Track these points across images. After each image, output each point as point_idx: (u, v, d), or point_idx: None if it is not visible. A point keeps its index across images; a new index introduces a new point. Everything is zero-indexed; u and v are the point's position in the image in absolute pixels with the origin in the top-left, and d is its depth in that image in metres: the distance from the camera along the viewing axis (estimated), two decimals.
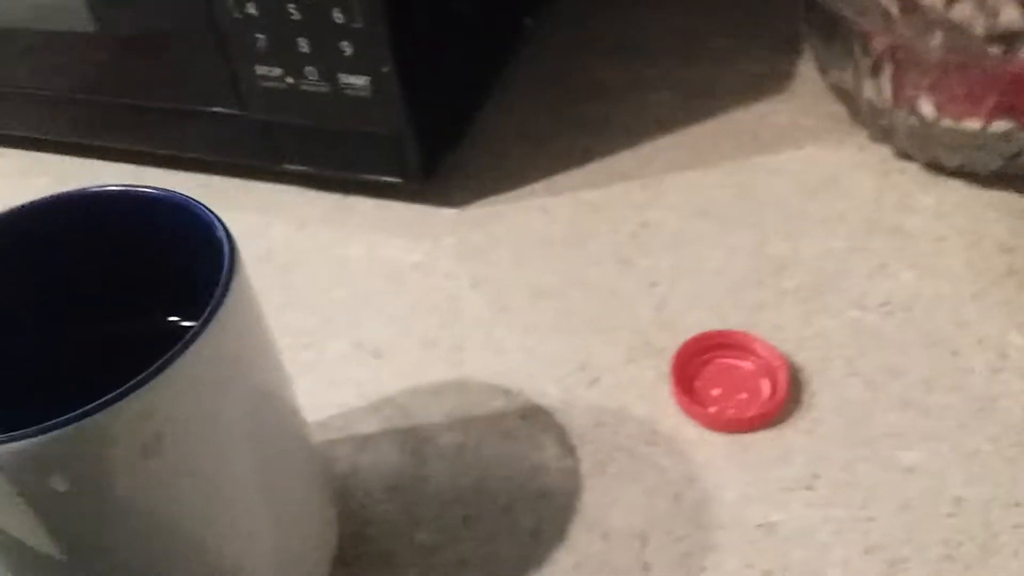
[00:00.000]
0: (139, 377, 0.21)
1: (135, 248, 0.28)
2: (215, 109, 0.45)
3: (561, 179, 0.46)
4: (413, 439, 0.35)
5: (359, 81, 0.41)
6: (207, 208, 0.26)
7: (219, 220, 0.25)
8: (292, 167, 0.46)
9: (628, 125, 0.48)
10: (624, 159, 0.46)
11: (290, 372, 0.37)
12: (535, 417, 0.35)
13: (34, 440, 0.20)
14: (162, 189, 0.27)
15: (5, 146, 0.52)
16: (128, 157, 0.50)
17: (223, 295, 0.24)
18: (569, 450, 0.34)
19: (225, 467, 0.25)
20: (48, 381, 0.28)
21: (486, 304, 0.40)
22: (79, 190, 0.27)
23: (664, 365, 0.36)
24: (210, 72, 0.43)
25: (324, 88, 0.42)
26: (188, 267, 0.26)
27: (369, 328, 0.40)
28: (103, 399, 0.21)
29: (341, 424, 0.36)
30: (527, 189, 0.46)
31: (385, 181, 0.45)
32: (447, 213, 0.45)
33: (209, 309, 0.23)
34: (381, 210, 0.46)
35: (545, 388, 0.36)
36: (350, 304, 0.41)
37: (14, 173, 0.51)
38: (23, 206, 0.27)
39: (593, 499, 0.32)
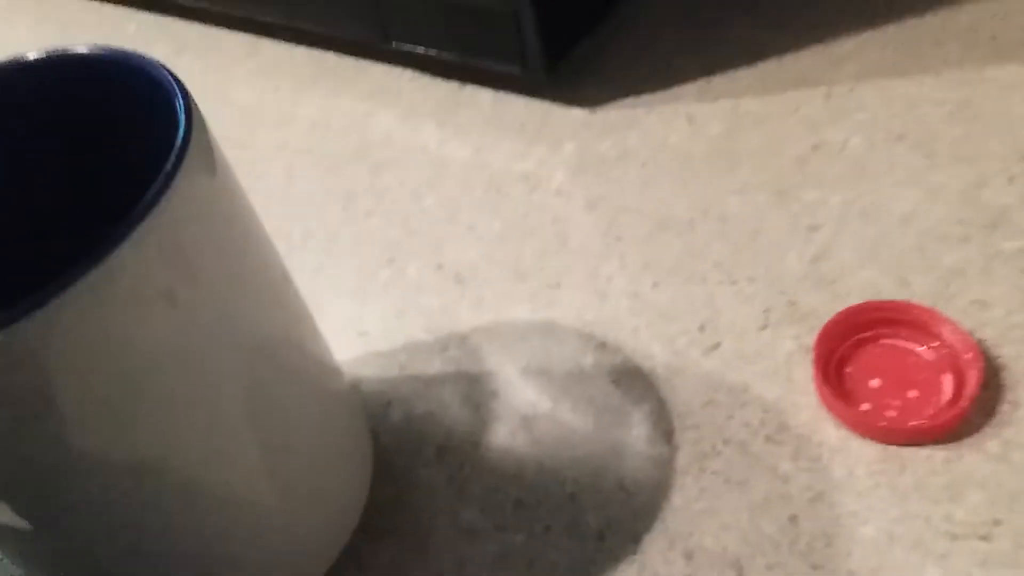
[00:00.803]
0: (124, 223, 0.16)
1: (96, 112, 0.22)
2: None
3: (720, 81, 0.37)
4: (479, 392, 0.29)
5: None
6: (160, 66, 0.20)
7: (174, 80, 0.19)
8: (401, 46, 0.39)
9: (817, 16, 0.37)
10: (807, 59, 0.36)
11: (364, 291, 0.32)
12: (631, 383, 0.28)
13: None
14: (119, 50, 0.21)
15: (132, 7, 0.49)
16: (248, 27, 0.46)
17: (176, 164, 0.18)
18: (665, 433, 0.27)
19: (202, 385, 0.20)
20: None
21: (598, 232, 0.33)
22: (38, 54, 0.22)
23: (809, 337, 0.27)
24: None
25: None
26: (149, 136, 0.20)
27: (456, 247, 0.34)
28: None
29: (403, 360, 0.30)
30: (675, 91, 0.37)
31: (501, 70, 0.37)
32: (573, 114, 0.37)
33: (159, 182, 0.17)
34: (498, 105, 0.39)
35: (650, 347, 0.29)
36: (440, 216, 0.35)
37: (134, 37, 0.48)
38: None
39: (683, 503, 0.25)
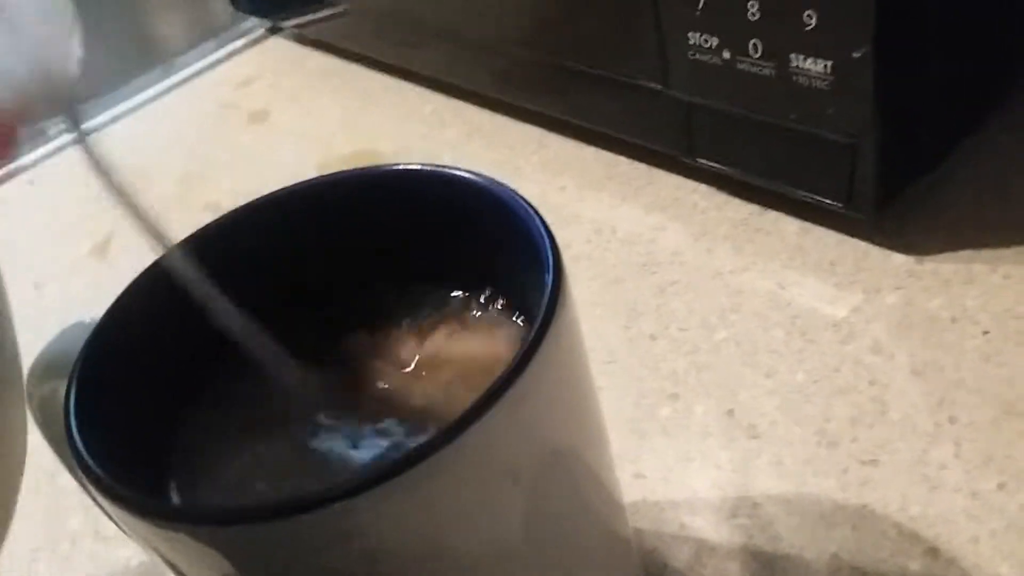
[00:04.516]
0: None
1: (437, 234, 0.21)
2: (634, 80, 0.38)
3: None
4: (772, 574, 0.25)
5: (817, 66, 0.30)
6: (528, 206, 0.18)
7: (543, 225, 0.18)
8: (706, 163, 0.37)
9: None
10: None
11: (642, 425, 0.29)
12: None
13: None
14: (483, 176, 0.20)
15: (428, 88, 0.50)
16: (537, 120, 0.45)
17: (551, 309, 0.16)
18: None
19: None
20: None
21: (926, 406, 0.28)
22: (388, 166, 0.21)
23: None
24: (637, 34, 0.36)
25: (767, 70, 0.32)
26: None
27: (751, 394, 0.30)
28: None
29: (684, 519, 0.27)
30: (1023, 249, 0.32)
31: (820, 202, 0.34)
32: (896, 260, 0.33)
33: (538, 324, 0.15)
34: (806, 238, 0.35)
35: (996, 567, 0.24)
36: (734, 354, 0.31)
37: (429, 118, 0.48)
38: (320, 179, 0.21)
39: None
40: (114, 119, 0.57)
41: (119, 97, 0.58)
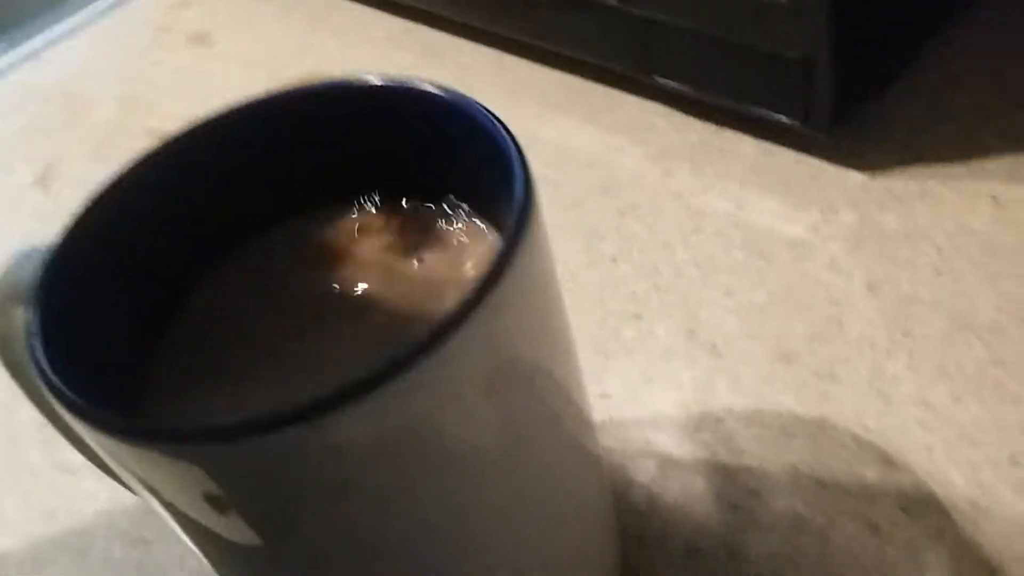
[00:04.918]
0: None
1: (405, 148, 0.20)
2: None
3: None
4: (737, 489, 0.26)
5: None
6: (494, 117, 0.18)
7: (509, 135, 0.17)
8: (663, 81, 0.37)
9: None
10: None
11: (607, 346, 0.29)
12: (924, 514, 0.24)
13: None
14: (447, 89, 0.19)
15: (379, 9, 0.48)
16: (494, 42, 0.44)
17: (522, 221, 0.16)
18: None
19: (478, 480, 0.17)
20: None
21: (882, 321, 0.29)
22: (348, 79, 0.20)
23: None
24: None
25: None
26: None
27: (712, 313, 0.30)
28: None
29: (647, 437, 0.27)
30: (976, 165, 0.32)
31: (777, 120, 0.34)
32: (853, 178, 0.33)
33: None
34: (763, 157, 0.35)
35: (948, 474, 0.25)
36: (695, 274, 0.32)
37: (382, 41, 0.47)
38: (288, 91, 0.20)
39: None
40: (47, 44, 0.55)
41: (49, 21, 0.55)
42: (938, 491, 0.24)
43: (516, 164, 0.17)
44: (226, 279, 0.21)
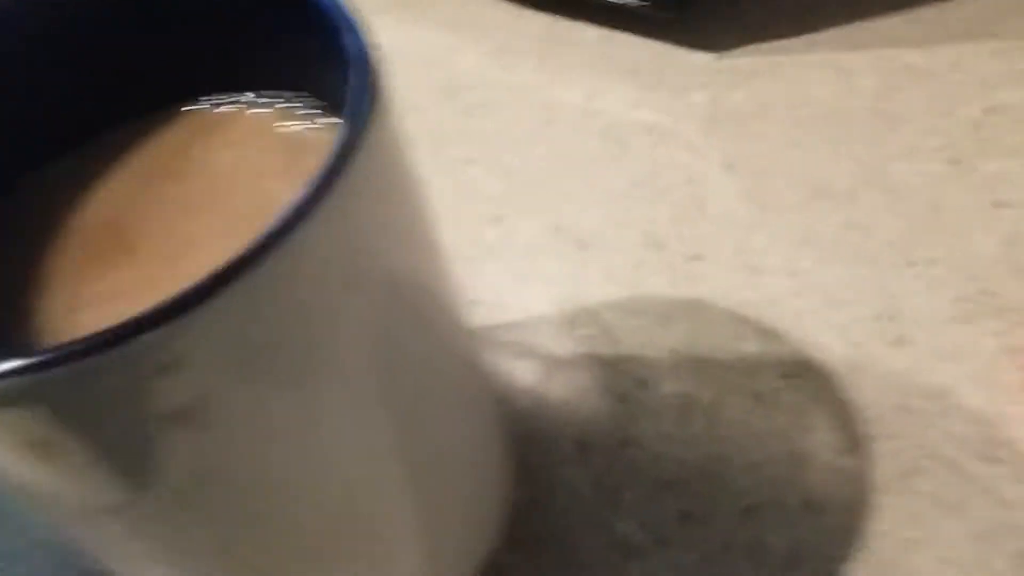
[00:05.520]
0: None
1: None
2: None
3: (871, 27, 0.32)
4: (621, 379, 0.25)
5: None
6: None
7: (347, 13, 0.15)
8: None
9: None
10: (969, 7, 0.32)
11: (470, 252, 0.27)
12: (804, 379, 0.24)
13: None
14: None
15: None
16: None
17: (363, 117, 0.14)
18: (854, 442, 0.23)
19: (347, 392, 0.15)
20: None
21: (743, 196, 0.28)
22: None
23: (1014, 335, 0.24)
24: None
25: None
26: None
27: (576, 206, 0.29)
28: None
29: (526, 338, 0.26)
30: (818, 37, 0.32)
31: (619, 3, 0.33)
32: (700, 59, 0.33)
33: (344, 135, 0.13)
34: (608, 45, 0.34)
35: (822, 337, 0.25)
36: (553, 170, 0.30)
37: None
38: None
39: (889, 528, 0.21)
40: None
41: None
42: (815, 355, 0.24)
43: (356, 39, 0.15)
44: (46, 185, 0.17)
